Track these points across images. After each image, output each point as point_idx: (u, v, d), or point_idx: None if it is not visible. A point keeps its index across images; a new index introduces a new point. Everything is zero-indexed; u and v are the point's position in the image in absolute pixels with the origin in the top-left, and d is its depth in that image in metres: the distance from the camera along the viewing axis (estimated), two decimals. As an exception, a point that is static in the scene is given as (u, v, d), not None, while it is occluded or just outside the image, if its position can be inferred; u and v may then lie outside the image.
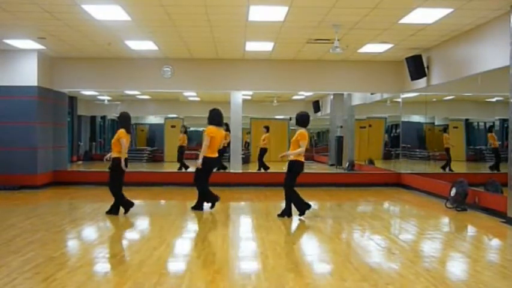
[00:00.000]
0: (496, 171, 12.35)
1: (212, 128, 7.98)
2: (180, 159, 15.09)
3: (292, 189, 7.51)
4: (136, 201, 7.99)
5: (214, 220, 7.55)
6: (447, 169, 13.05)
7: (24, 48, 10.66)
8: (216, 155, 8.08)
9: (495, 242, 6.75)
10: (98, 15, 7.90)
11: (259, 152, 14.80)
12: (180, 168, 14.71)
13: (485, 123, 14.28)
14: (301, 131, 7.51)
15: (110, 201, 9.78)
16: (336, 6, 7.29)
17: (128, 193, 10.52)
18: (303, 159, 7.51)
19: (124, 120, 7.88)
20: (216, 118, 8.09)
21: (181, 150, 15.20)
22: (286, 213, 7.54)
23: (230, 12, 7.82)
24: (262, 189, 11.17)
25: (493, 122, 13.86)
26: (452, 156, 13.81)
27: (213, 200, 8.05)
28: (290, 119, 21.83)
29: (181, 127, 16.15)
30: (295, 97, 19.25)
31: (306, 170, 7.70)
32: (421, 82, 10.73)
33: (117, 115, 8.13)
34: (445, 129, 14.01)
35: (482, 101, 14.11)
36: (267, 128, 15.22)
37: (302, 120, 7.63)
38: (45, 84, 11.50)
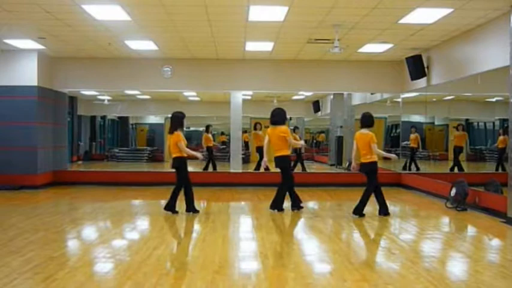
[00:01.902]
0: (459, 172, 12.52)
1: (268, 129, 8.22)
2: (211, 159, 15.08)
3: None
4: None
5: (214, 220, 7.55)
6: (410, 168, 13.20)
7: (24, 48, 10.66)
8: (275, 154, 8.06)
9: (495, 242, 6.75)
10: (98, 15, 7.90)
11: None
12: (214, 168, 14.72)
13: (485, 123, 14.27)
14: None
15: (110, 200, 9.81)
16: (336, 6, 7.30)
17: (128, 193, 10.59)
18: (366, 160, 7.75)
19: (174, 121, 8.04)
20: (271, 117, 8.20)
21: (209, 150, 15.18)
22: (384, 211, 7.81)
23: (230, 12, 7.82)
24: (262, 189, 11.16)
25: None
26: (452, 156, 13.79)
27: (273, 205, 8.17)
28: (290, 118, 21.84)
29: (205, 127, 15.96)
30: (295, 97, 19.23)
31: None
32: (421, 82, 10.73)
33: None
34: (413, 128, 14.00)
35: (482, 101, 14.10)
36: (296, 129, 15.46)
37: (362, 121, 7.84)
38: (45, 84, 11.49)
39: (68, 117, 15.15)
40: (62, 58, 11.78)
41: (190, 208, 7.92)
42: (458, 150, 12.96)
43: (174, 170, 8.04)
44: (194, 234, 6.72)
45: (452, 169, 12.71)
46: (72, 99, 18.58)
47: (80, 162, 19.60)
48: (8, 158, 10.97)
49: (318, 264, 5.23)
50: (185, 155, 7.90)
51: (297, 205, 8.18)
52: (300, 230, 7.21)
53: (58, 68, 11.84)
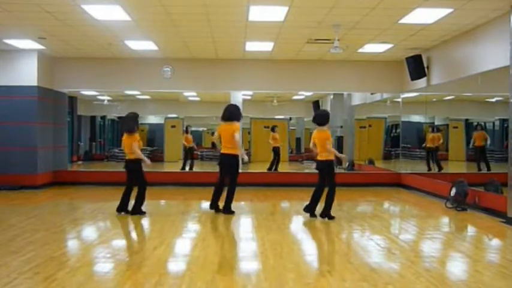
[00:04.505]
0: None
1: (221, 125, 8.05)
2: (186, 158, 15.47)
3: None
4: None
5: (215, 220, 7.55)
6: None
7: (24, 48, 10.66)
8: (223, 151, 7.95)
9: (495, 242, 6.75)
10: (98, 15, 7.90)
11: (274, 152, 15.04)
12: (191, 168, 15.10)
13: (485, 123, 14.26)
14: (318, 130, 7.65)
15: (110, 200, 9.80)
16: (336, 6, 7.30)
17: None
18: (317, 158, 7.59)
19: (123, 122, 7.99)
20: (226, 114, 8.08)
21: (190, 150, 15.54)
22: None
23: (230, 12, 7.82)
24: (262, 189, 11.17)
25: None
26: (452, 156, 13.80)
27: (211, 204, 8.05)
28: (290, 119, 21.85)
29: (186, 127, 16.23)
30: (295, 97, 19.24)
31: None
32: (421, 82, 10.73)
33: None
34: (434, 128, 13.91)
35: (482, 101, 14.10)
36: (273, 128, 15.55)
37: (318, 119, 7.65)
38: (45, 84, 11.49)
39: (68, 117, 15.16)
40: (62, 58, 11.78)
41: (138, 210, 7.84)
42: (479, 149, 12.91)
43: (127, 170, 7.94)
44: (194, 234, 6.72)
45: (479, 169, 12.62)
46: (72, 99, 18.58)
47: (80, 162, 19.60)
48: (8, 158, 10.96)
49: (318, 264, 5.24)
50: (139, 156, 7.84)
51: (215, 207, 8.03)
52: (300, 230, 7.21)
53: (58, 68, 11.84)
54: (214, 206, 8.05)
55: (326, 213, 7.48)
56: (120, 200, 7.90)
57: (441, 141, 13.52)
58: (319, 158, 7.54)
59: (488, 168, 12.46)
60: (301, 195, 10.46)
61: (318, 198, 7.62)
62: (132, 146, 7.72)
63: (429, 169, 13.02)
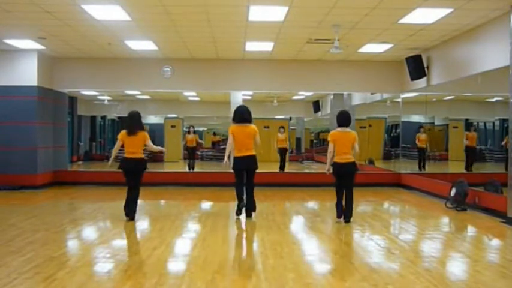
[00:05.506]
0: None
1: (232, 126, 7.65)
2: (189, 158, 15.75)
3: (336, 190, 7.36)
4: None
5: (215, 220, 7.55)
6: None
7: (24, 48, 10.66)
8: (241, 153, 7.52)
9: (495, 242, 6.75)
10: (98, 15, 7.90)
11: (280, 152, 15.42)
12: (192, 168, 15.36)
13: (485, 123, 14.26)
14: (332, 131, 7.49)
15: (110, 200, 9.81)
16: (336, 6, 7.30)
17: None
18: (338, 160, 7.23)
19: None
20: (241, 115, 7.64)
21: (193, 151, 15.79)
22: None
23: (230, 12, 7.82)
24: (262, 189, 11.13)
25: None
26: (452, 156, 13.80)
27: (238, 206, 7.71)
28: (290, 118, 21.85)
29: (189, 128, 16.41)
30: (295, 97, 19.24)
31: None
32: (421, 82, 10.73)
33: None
34: (421, 128, 13.95)
35: (482, 101, 14.11)
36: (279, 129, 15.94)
37: (337, 120, 7.47)
38: (45, 84, 11.49)
39: (68, 117, 15.16)
40: (62, 58, 11.78)
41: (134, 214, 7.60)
42: (470, 150, 12.96)
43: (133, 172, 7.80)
44: (194, 234, 6.72)
45: (467, 169, 12.70)
46: (72, 99, 18.58)
47: (80, 162, 19.60)
48: (8, 158, 10.96)
49: (318, 264, 5.23)
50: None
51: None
52: (300, 230, 7.21)
53: (58, 68, 11.84)
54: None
55: (350, 216, 7.31)
56: (126, 205, 7.57)
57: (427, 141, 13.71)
58: (346, 160, 7.21)
59: (469, 169, 12.56)
60: (301, 195, 10.48)
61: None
62: (148, 142, 7.73)
63: (420, 169, 13.13)
